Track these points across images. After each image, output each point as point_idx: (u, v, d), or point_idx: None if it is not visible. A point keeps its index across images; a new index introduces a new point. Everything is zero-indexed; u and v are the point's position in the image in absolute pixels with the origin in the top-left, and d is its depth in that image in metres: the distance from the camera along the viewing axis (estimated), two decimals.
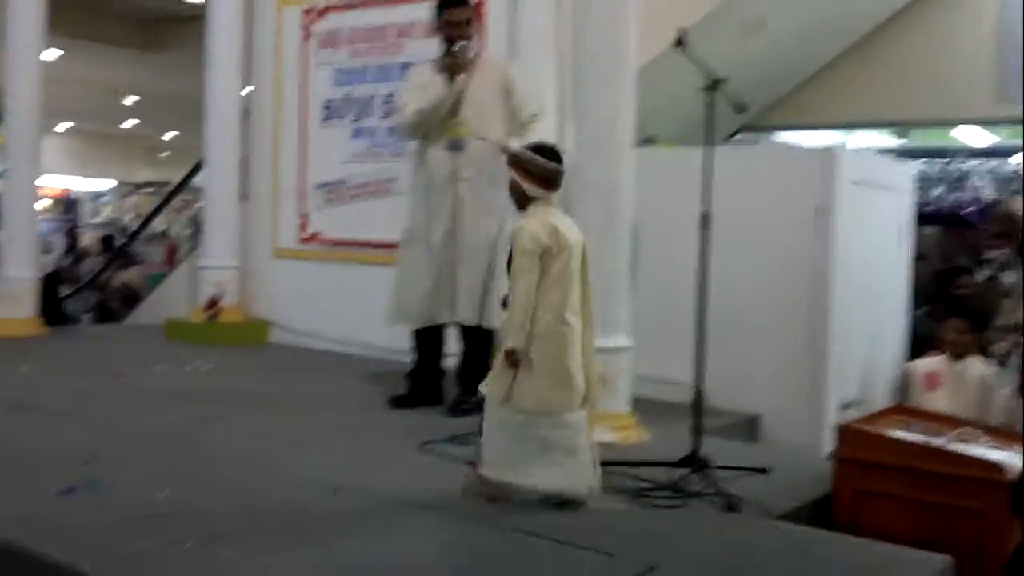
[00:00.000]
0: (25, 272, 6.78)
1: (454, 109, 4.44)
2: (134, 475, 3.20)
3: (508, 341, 3.04)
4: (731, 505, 3.10)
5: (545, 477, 3.00)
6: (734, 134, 7.72)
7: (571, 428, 3.04)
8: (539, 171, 3.14)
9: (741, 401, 4.72)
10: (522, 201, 3.16)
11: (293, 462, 3.49)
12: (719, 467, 3.36)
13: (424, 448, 3.72)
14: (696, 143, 5.44)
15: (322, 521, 2.81)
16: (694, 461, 3.36)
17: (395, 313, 4.63)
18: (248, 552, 2.49)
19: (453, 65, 4.44)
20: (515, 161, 3.19)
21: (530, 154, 3.17)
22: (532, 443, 3.00)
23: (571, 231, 3.12)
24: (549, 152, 3.20)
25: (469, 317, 4.48)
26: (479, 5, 4.61)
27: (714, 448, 3.48)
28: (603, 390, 3.92)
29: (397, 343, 4.86)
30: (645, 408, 4.21)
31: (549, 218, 3.09)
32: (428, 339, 4.61)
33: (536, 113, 4.53)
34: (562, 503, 3.00)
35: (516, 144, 4.12)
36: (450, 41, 4.47)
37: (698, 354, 3.55)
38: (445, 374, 4.68)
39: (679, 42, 3.62)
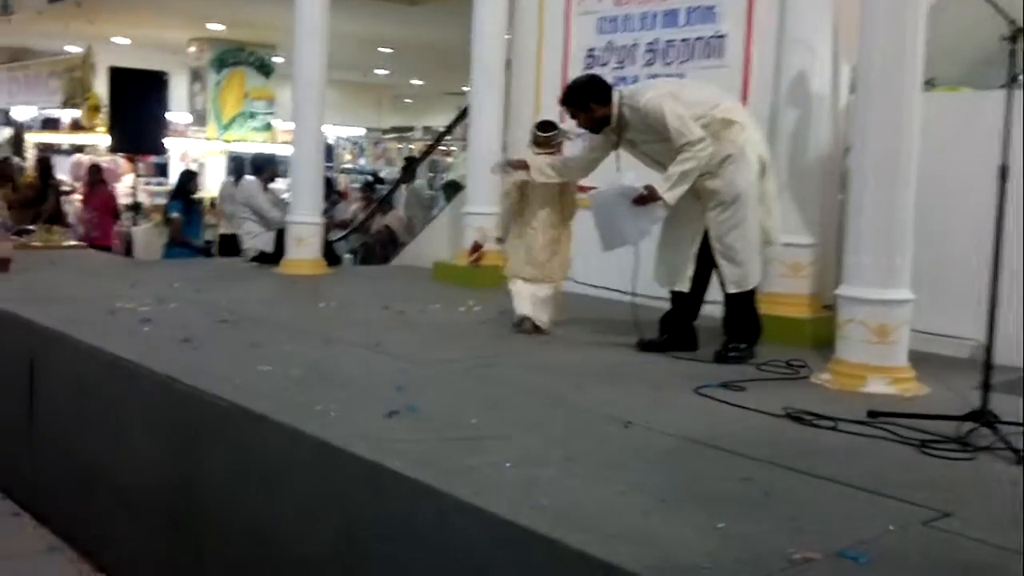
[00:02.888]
0: (313, 217, 7.42)
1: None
2: (442, 402, 3.54)
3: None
4: (1022, 459, 3.09)
5: (519, 310, 5.09)
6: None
7: (537, 288, 5.09)
8: (535, 140, 5.14)
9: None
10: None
11: (581, 396, 3.74)
12: (1009, 423, 3.32)
13: (699, 392, 3.88)
14: (979, 86, 5.25)
15: (621, 452, 3.03)
16: (983, 415, 3.34)
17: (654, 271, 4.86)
18: (559, 474, 2.73)
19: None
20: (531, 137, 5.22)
21: (533, 130, 5.20)
22: (525, 297, 5.10)
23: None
24: (544, 125, 5.19)
25: (684, 286, 4.73)
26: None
27: (998, 403, 3.43)
28: (882, 342, 3.98)
29: (652, 288, 4.96)
30: (920, 361, 4.19)
31: (537, 163, 5.03)
32: (681, 295, 4.77)
33: (688, 141, 4.44)
34: (537, 330, 5.08)
35: (668, 196, 4.49)
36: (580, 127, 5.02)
37: (991, 309, 3.48)
38: (696, 319, 4.82)
39: None
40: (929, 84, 4.94)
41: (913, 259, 4.12)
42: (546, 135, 5.12)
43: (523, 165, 5.12)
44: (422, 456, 2.82)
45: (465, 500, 2.48)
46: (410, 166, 13.65)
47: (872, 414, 3.47)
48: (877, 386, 3.98)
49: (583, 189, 5.22)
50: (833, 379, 4.11)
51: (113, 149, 11.33)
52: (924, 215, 4.32)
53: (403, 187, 12.04)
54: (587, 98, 4.74)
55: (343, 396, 3.53)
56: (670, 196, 4.47)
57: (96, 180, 11.54)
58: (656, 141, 4.57)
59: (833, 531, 2.40)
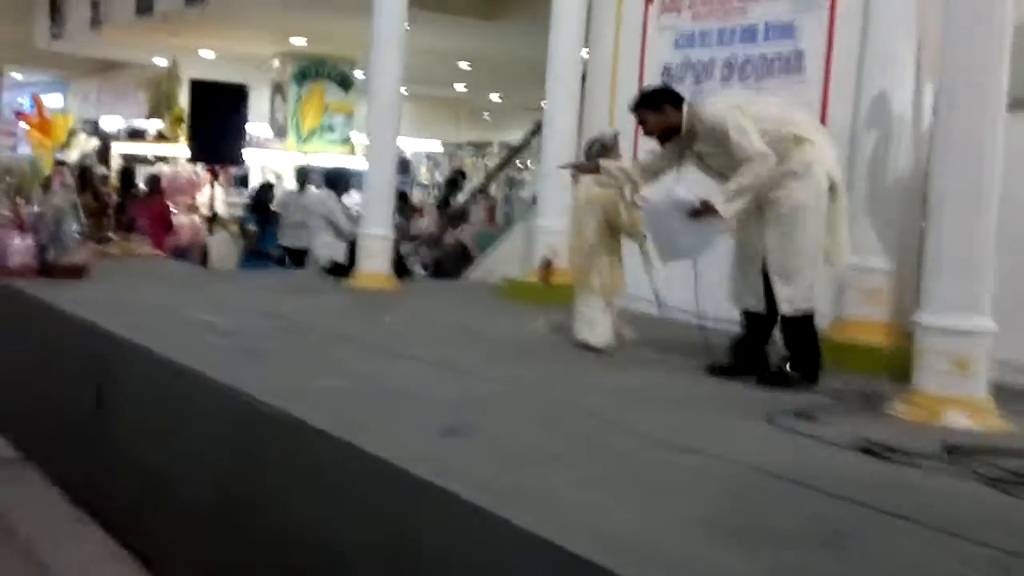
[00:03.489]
0: (383, 231, 7.45)
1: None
2: (501, 421, 3.49)
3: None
4: None
5: (582, 335, 5.08)
6: None
7: (590, 307, 5.09)
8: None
9: None
10: None
11: (644, 421, 3.65)
12: None
13: (768, 420, 3.76)
14: None
15: (684, 480, 2.95)
16: None
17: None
18: (616, 500, 2.66)
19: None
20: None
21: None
22: (577, 315, 5.15)
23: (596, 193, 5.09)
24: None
25: (756, 304, 4.59)
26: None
27: None
28: (961, 373, 3.82)
29: (723, 310, 4.86)
30: (1003, 394, 4.01)
31: (588, 188, 5.13)
32: (753, 316, 4.65)
33: (749, 156, 4.33)
34: (590, 349, 5.01)
35: (724, 210, 4.38)
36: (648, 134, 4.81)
37: None
38: (769, 343, 4.68)
39: None
40: (1015, 105, 4.76)
41: (998, 287, 3.95)
42: (587, 156, 5.21)
43: (593, 169, 5.07)
44: (475, 476, 2.77)
45: (516, 523, 2.42)
46: (454, 180, 13.76)
47: (949, 449, 3.32)
48: (955, 419, 3.81)
49: None
50: (909, 410, 3.95)
51: (193, 159, 11.57)
52: (1010, 241, 4.14)
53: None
54: (661, 100, 4.68)
55: (402, 412, 3.51)
56: (725, 210, 4.36)
57: (153, 190, 11.65)
58: (722, 155, 4.47)
59: (903, 571, 2.30)
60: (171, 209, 11.55)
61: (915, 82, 5.04)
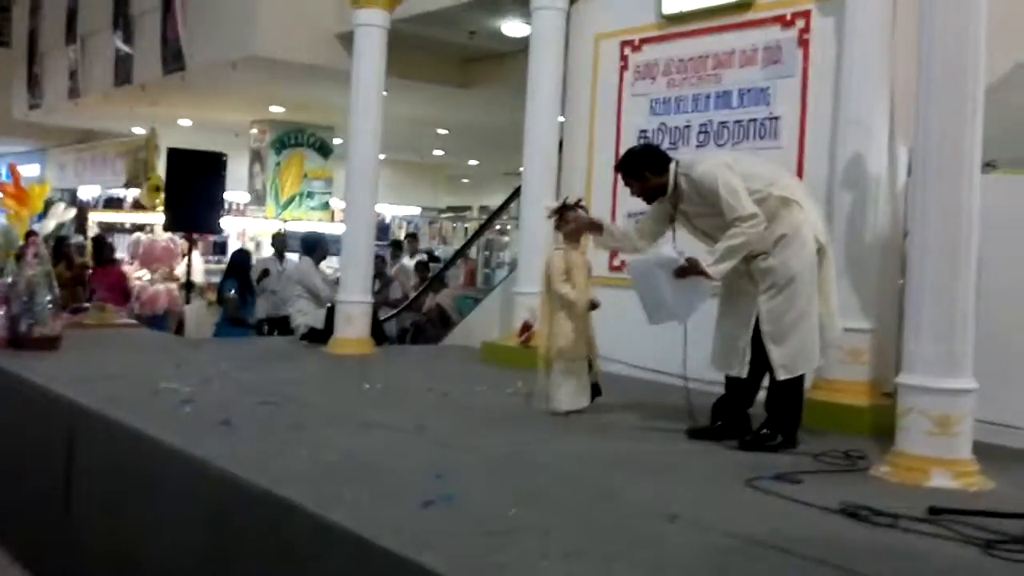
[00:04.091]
0: (361, 296, 7.41)
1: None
2: (481, 491, 3.41)
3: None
4: None
5: (550, 401, 5.04)
6: None
7: (555, 373, 5.04)
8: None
9: None
10: None
11: (626, 488, 3.59)
12: None
13: (751, 485, 3.70)
14: None
15: (665, 549, 2.88)
16: None
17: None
18: (598, 572, 2.58)
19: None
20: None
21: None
22: (546, 382, 5.09)
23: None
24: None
25: (740, 370, 4.53)
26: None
27: None
28: (944, 433, 3.79)
29: (705, 372, 4.81)
30: (986, 454, 3.98)
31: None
32: (736, 379, 4.60)
33: (738, 216, 4.33)
34: (559, 414, 4.99)
35: (713, 270, 4.38)
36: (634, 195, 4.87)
37: None
38: (751, 406, 4.63)
39: None
40: (989, 166, 4.81)
41: (978, 347, 3.94)
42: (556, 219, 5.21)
43: (591, 226, 5.10)
44: (455, 550, 2.70)
45: None
46: (399, 243, 13.97)
47: (934, 511, 3.28)
48: (939, 480, 3.77)
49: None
50: (893, 472, 3.91)
51: (168, 228, 11.52)
52: (988, 301, 4.14)
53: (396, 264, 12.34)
54: (642, 167, 4.69)
55: (379, 483, 3.43)
56: (714, 270, 4.35)
57: (106, 258, 11.28)
58: (710, 215, 4.46)
59: None
60: (143, 277, 11.46)
61: (889, 143, 5.09)
